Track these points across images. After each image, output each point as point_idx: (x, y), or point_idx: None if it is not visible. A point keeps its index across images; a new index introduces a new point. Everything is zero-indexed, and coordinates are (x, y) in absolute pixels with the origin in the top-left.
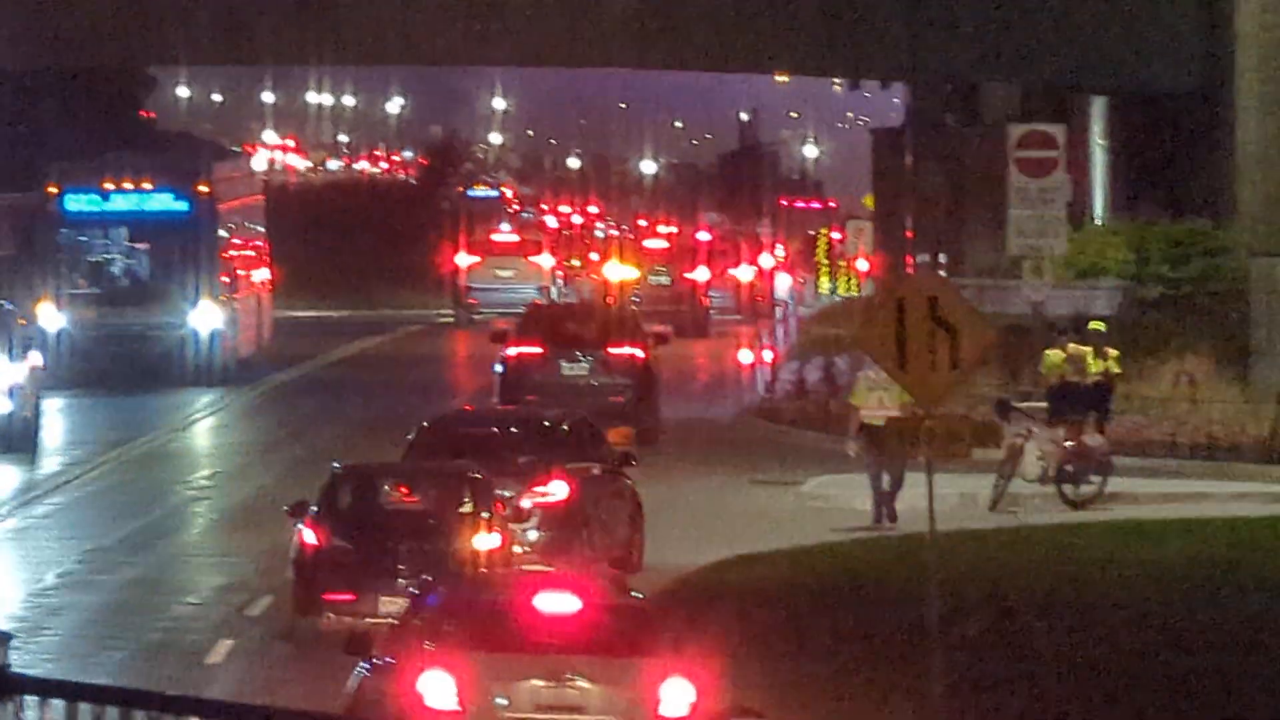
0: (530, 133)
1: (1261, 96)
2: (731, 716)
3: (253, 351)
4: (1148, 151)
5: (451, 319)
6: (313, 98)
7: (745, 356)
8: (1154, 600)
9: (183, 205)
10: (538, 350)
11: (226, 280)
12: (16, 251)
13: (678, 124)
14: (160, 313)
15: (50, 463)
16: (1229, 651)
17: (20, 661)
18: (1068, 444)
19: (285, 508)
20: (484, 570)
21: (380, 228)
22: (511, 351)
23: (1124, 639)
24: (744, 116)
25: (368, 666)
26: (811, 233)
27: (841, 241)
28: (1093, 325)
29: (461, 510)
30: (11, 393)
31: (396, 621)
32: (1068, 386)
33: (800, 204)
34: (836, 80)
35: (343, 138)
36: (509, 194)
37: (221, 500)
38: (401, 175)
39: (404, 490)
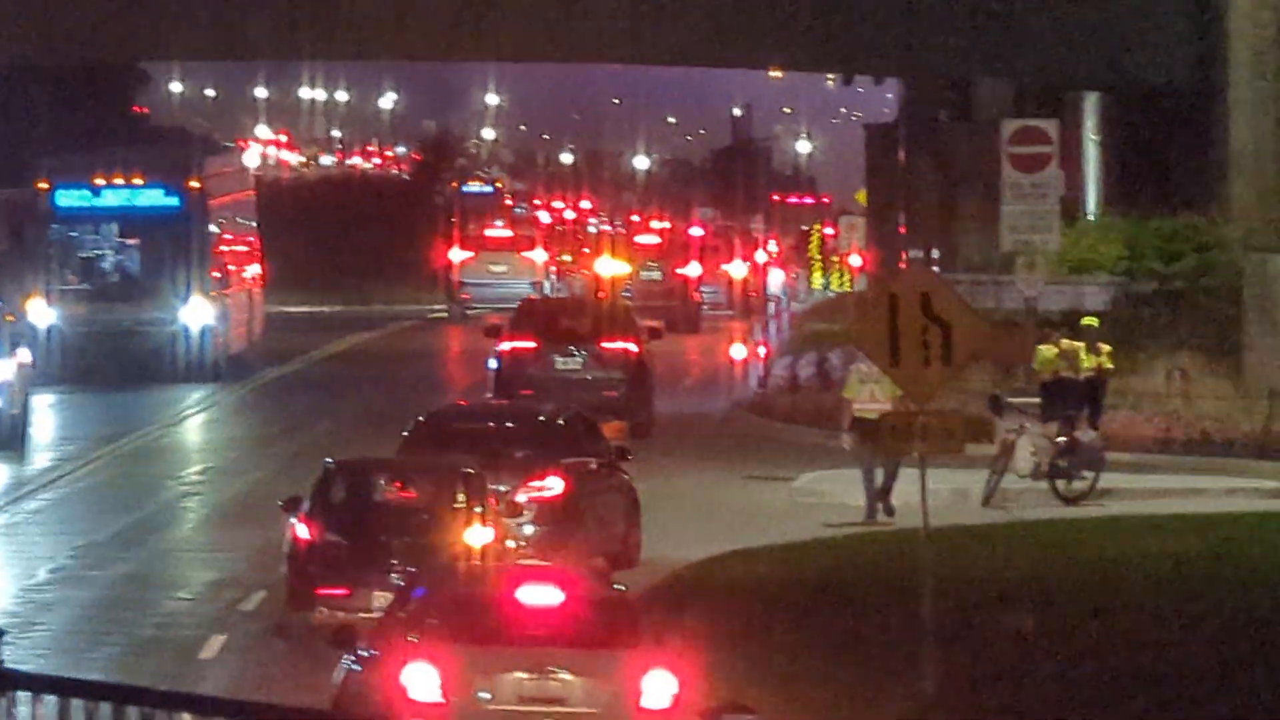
0: (523, 128)
1: (1254, 92)
2: (723, 712)
3: (244, 347)
4: (1141, 147)
5: (445, 314)
6: (306, 93)
7: (738, 352)
8: (1146, 595)
9: (174, 201)
10: (531, 345)
11: (218, 276)
12: (7, 247)
13: (671, 119)
14: (151, 308)
15: (42, 459)
16: (1222, 647)
17: (13, 657)
18: (1060, 439)
19: (279, 502)
20: (466, 564)
21: (373, 223)
22: (505, 346)
23: (1116, 634)
24: (737, 112)
25: (353, 659)
26: (804, 228)
27: (834, 237)
28: (1085, 321)
29: (455, 505)
30: (0, 389)
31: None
32: (1061, 382)
33: (793, 199)
34: (830, 76)
35: (336, 133)
36: (502, 189)
37: (213, 496)
38: (394, 171)
39: (397, 485)
